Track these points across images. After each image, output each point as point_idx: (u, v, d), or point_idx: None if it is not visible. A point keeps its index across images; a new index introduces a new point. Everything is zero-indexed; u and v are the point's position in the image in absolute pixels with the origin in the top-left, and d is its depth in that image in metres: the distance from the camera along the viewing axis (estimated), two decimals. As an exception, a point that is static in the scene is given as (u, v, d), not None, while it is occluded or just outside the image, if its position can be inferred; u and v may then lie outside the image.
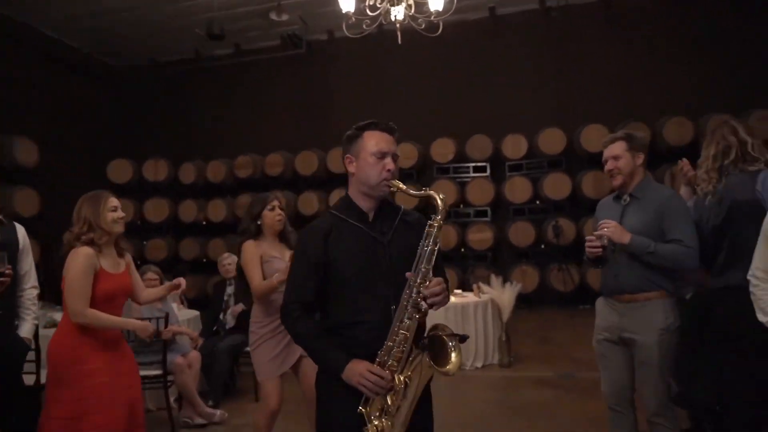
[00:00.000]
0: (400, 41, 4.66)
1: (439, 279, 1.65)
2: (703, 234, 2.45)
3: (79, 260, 2.41)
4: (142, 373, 3.74)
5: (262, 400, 2.93)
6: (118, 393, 2.40)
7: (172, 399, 4.07)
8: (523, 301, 7.21)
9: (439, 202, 1.70)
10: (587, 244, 2.42)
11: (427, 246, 1.66)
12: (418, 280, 1.62)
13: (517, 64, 9.33)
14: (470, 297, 5.61)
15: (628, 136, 2.53)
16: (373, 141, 1.75)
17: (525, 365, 5.39)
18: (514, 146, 9.00)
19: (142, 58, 10.69)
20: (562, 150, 8.79)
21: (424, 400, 1.74)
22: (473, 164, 9.33)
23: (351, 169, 1.79)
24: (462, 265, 8.93)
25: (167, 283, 2.54)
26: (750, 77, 8.08)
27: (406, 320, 1.62)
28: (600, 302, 2.62)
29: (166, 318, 3.79)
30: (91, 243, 2.45)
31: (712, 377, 2.43)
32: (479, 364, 5.34)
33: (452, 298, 5.56)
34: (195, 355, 4.03)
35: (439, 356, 1.65)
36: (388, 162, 1.73)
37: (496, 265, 8.80)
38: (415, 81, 9.62)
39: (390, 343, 1.62)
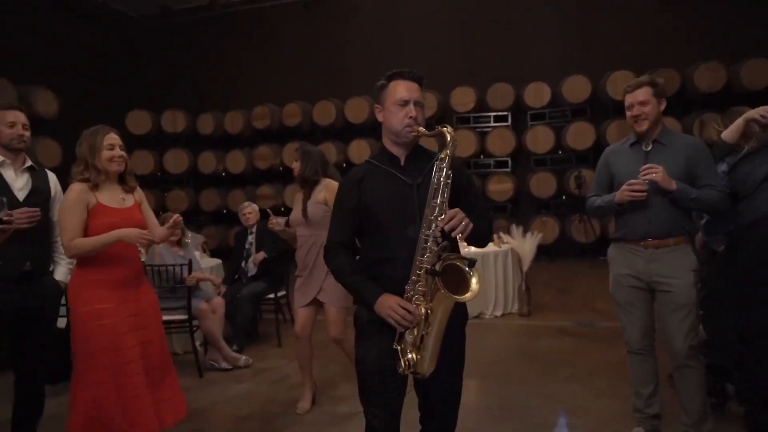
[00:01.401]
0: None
1: (455, 210, 1.66)
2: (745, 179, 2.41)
3: (68, 196, 2.37)
4: (168, 317, 3.85)
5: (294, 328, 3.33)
6: (128, 333, 2.37)
7: (197, 344, 4.19)
8: (542, 252, 7.18)
9: (447, 136, 1.75)
10: (628, 188, 2.39)
11: (438, 180, 1.70)
12: (435, 214, 1.66)
13: (539, 8, 8.96)
14: (490, 246, 5.58)
15: (653, 82, 2.48)
16: (397, 90, 1.81)
17: (544, 314, 5.42)
18: (537, 94, 8.76)
19: (154, 5, 10.50)
20: (586, 98, 8.54)
21: (457, 338, 1.82)
22: (494, 113, 9.12)
23: (380, 118, 1.86)
24: (481, 216, 8.87)
25: (168, 223, 2.48)
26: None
27: (427, 254, 1.65)
28: (617, 249, 2.60)
29: (190, 264, 3.84)
30: (87, 181, 2.40)
31: (737, 322, 2.41)
32: (498, 313, 5.37)
33: (471, 248, 5.54)
34: (219, 301, 4.11)
35: (458, 284, 1.66)
36: (410, 109, 1.78)
37: (515, 216, 8.73)
38: (433, 28, 9.32)
39: (414, 278, 1.67)
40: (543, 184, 8.67)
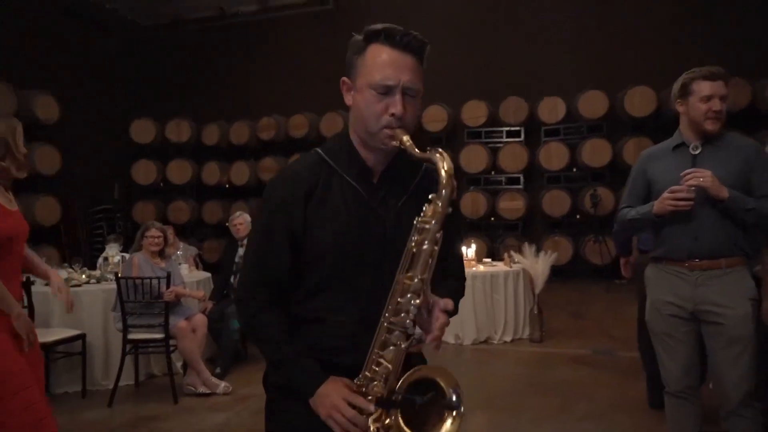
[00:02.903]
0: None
1: (447, 304, 1.12)
2: None
3: None
4: (143, 335, 3.53)
5: None
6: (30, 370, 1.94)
7: (178, 365, 3.85)
8: (554, 273, 6.78)
9: (442, 172, 1.10)
10: (671, 196, 1.98)
11: (420, 246, 1.10)
12: (410, 293, 1.10)
13: (555, 20, 8.68)
14: (500, 266, 5.22)
15: (729, 76, 2.07)
16: (377, 62, 1.16)
17: (558, 341, 5.01)
18: (551, 110, 8.44)
19: (166, 15, 10.39)
20: (603, 114, 8.20)
21: None
22: (506, 128, 8.80)
23: (348, 100, 1.23)
24: (491, 234, 8.53)
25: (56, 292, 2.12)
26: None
27: (389, 349, 1.11)
28: (656, 270, 2.18)
29: (168, 278, 3.52)
30: None
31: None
32: (508, 338, 4.98)
33: (480, 267, 5.19)
34: (200, 319, 3.77)
35: (426, 418, 1.13)
36: (395, 101, 1.15)
37: (526, 235, 8.34)
38: (445, 39, 9.06)
39: (368, 374, 1.13)
40: (556, 203, 8.30)
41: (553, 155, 8.37)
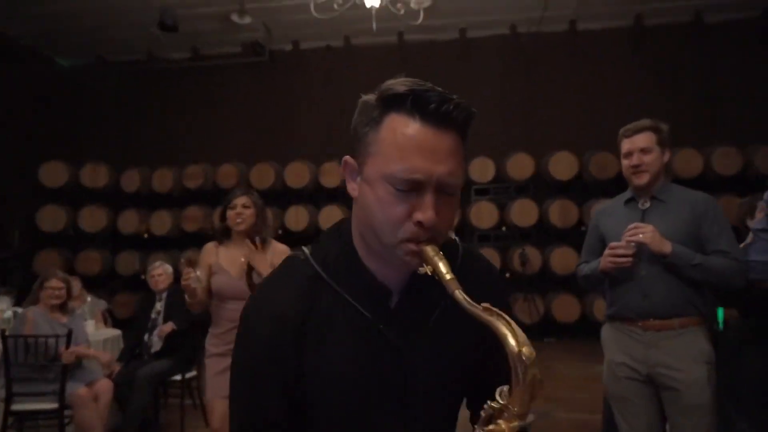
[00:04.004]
0: (374, 27, 4.21)
1: None
2: None
3: None
4: (33, 406, 3.02)
5: (209, 424, 2.65)
6: None
7: (74, 438, 3.33)
8: (487, 332, 6.72)
9: (513, 354, 0.79)
10: (610, 252, 1.94)
11: None
12: None
13: (486, 87, 9.08)
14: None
15: (656, 127, 2.09)
16: (400, 144, 0.82)
17: (492, 403, 4.85)
18: (482, 170, 8.67)
19: (89, 54, 9.92)
20: (530, 176, 8.53)
21: None
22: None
23: (350, 187, 0.91)
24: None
25: None
26: (712, 110, 8.09)
27: None
28: (612, 330, 2.11)
29: (69, 335, 3.07)
30: None
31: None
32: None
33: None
34: (104, 385, 3.30)
35: None
36: (424, 203, 0.81)
37: (458, 293, 8.32)
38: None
39: None
40: (487, 261, 8.38)
41: (484, 214, 8.52)
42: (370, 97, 0.88)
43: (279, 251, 2.68)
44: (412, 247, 0.82)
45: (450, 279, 0.79)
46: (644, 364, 1.98)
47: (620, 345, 2.05)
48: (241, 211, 2.71)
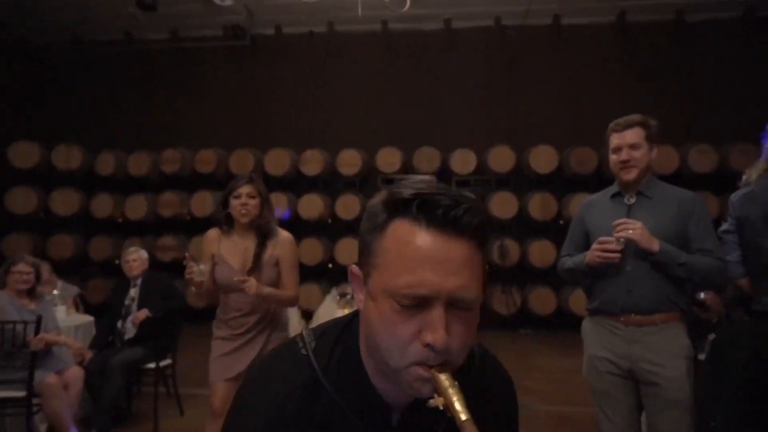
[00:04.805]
0: (360, 14, 4.12)
1: None
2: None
3: None
4: (1, 394, 2.93)
5: (211, 404, 2.62)
6: None
7: (43, 428, 3.24)
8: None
9: None
10: (599, 247, 1.93)
11: None
12: None
13: (469, 78, 9.08)
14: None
15: (645, 122, 2.08)
16: (406, 254, 0.75)
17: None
18: (463, 161, 8.67)
19: (65, 34, 9.61)
20: (510, 169, 8.54)
21: None
22: (420, 176, 8.89)
23: (358, 299, 0.84)
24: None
25: None
26: (689, 108, 8.20)
27: None
28: (593, 324, 2.11)
29: (38, 322, 2.97)
30: None
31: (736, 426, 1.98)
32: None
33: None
34: (75, 373, 3.21)
35: None
36: (432, 320, 0.73)
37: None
38: (363, 86, 9.15)
39: None
40: (466, 252, 8.41)
41: (464, 206, 8.53)
42: (376, 202, 0.81)
43: (283, 240, 2.62)
44: (422, 372, 0.73)
45: (466, 420, 0.69)
46: (626, 360, 2.00)
47: (602, 340, 2.06)
48: (246, 201, 2.60)
